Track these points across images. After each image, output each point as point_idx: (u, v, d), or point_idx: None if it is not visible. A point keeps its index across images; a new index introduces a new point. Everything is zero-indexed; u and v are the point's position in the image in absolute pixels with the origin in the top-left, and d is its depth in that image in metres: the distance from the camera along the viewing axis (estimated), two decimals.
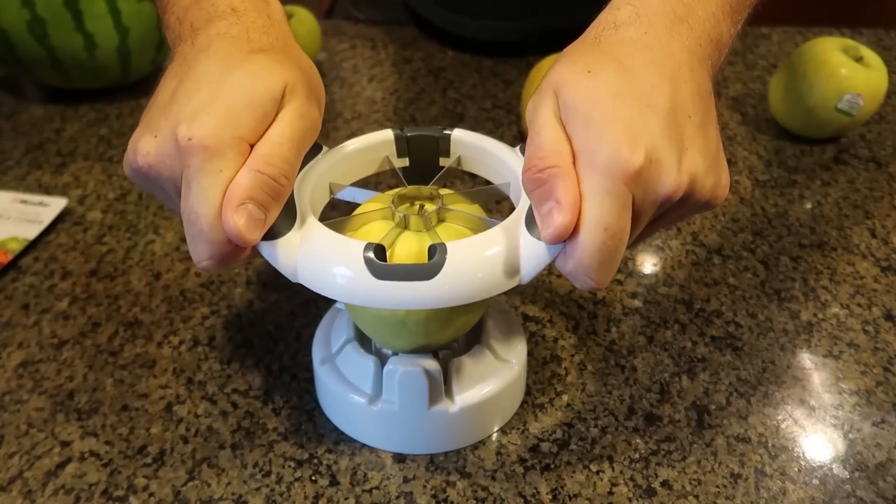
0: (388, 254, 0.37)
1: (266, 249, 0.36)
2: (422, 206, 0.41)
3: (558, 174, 0.32)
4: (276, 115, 0.36)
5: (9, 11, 0.65)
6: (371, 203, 0.42)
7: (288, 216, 0.36)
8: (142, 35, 0.71)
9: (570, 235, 0.32)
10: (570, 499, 0.41)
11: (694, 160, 0.34)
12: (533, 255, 0.35)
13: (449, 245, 0.34)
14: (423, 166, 0.45)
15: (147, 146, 0.35)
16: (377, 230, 0.39)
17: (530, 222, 0.35)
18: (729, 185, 0.37)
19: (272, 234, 0.35)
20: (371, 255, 0.34)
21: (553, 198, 0.32)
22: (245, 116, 0.34)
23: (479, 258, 0.35)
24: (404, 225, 0.39)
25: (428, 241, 0.37)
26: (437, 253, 0.34)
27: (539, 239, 0.34)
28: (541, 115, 0.35)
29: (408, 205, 0.41)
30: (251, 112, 0.34)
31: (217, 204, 0.33)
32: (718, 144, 0.36)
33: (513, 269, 0.35)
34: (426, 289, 0.34)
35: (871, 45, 0.86)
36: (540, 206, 0.33)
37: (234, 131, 0.34)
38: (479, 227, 0.39)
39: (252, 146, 0.35)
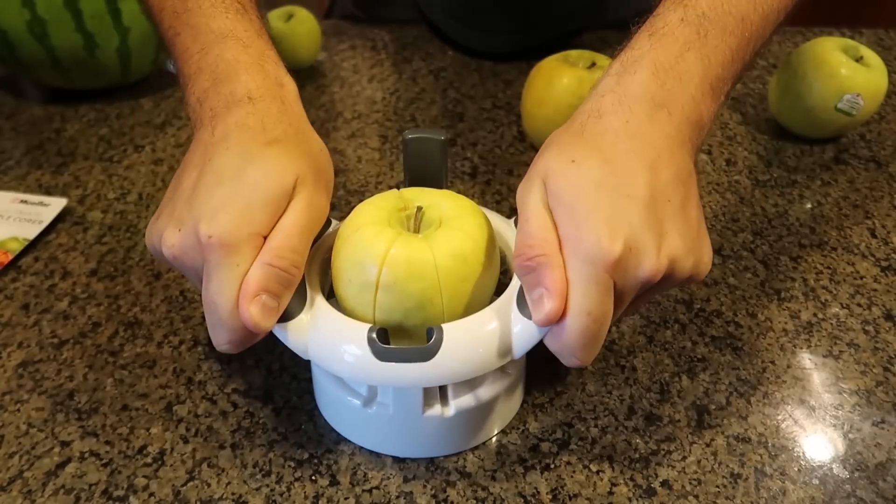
0: (382, 259, 0.37)
1: (279, 331, 0.39)
2: (419, 209, 0.41)
3: (546, 262, 0.35)
4: (288, 204, 0.38)
5: (9, 11, 0.65)
6: (369, 206, 0.42)
7: (299, 298, 0.39)
8: (142, 35, 0.71)
9: (557, 319, 0.35)
10: (570, 499, 0.41)
11: (673, 244, 0.36)
12: (524, 334, 0.38)
13: (445, 327, 0.37)
14: (423, 171, 0.45)
15: (172, 238, 0.38)
16: (371, 236, 0.39)
17: (521, 302, 0.38)
18: (711, 261, 0.39)
19: (285, 317, 0.38)
20: (374, 336, 0.37)
21: (542, 285, 0.35)
22: (260, 213, 0.37)
23: (474, 339, 0.37)
24: (403, 227, 0.39)
25: (425, 247, 0.37)
26: (434, 335, 0.37)
27: (529, 319, 0.37)
28: (530, 202, 0.37)
29: (404, 208, 0.41)
30: (265, 208, 0.37)
31: (234, 295, 0.36)
32: (699, 223, 0.38)
33: (505, 348, 0.38)
34: (425, 369, 0.37)
35: (871, 45, 0.86)
36: (531, 292, 0.36)
37: (249, 228, 0.36)
38: (476, 230, 0.39)
39: (266, 237, 0.37)
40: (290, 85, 0.44)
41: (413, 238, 0.38)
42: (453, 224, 0.40)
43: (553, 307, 0.34)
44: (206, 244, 0.36)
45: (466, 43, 0.85)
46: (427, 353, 0.37)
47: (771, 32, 0.44)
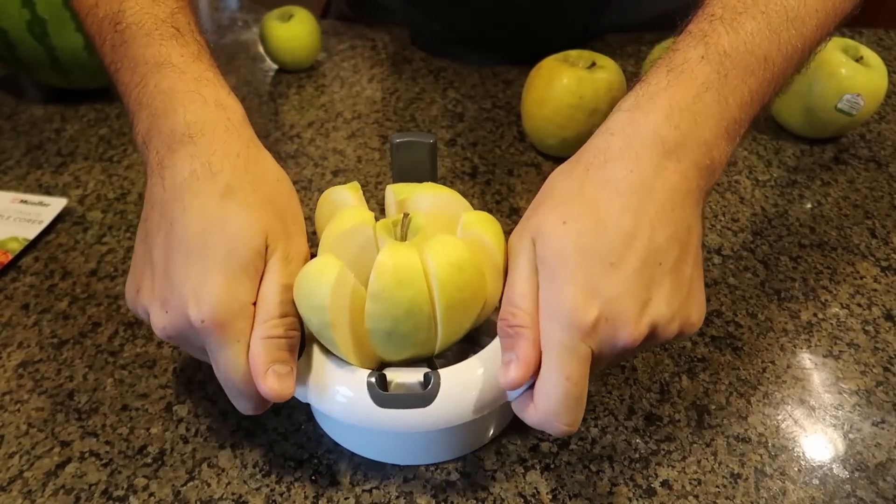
0: (329, 299, 0.36)
1: None
2: (406, 216, 0.40)
3: (523, 335, 0.36)
4: (266, 263, 0.38)
5: (9, 11, 0.65)
6: (352, 211, 0.41)
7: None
8: None
9: (535, 389, 0.36)
10: (570, 499, 0.41)
11: (657, 310, 0.36)
12: None
13: (442, 372, 0.38)
14: (412, 175, 0.45)
15: (161, 321, 0.37)
16: (315, 274, 0.38)
17: None
18: (703, 317, 0.38)
19: None
20: (373, 381, 0.37)
21: (515, 352, 0.36)
22: (240, 283, 0.37)
23: (470, 383, 0.38)
24: (391, 234, 0.39)
25: (412, 254, 0.36)
26: (431, 381, 0.37)
27: None
28: (519, 263, 0.37)
29: (392, 216, 0.41)
30: (244, 275, 0.37)
31: (244, 367, 0.37)
32: (693, 282, 0.38)
33: (500, 390, 0.38)
34: (423, 414, 0.37)
35: (871, 45, 0.86)
36: (504, 354, 0.37)
37: (236, 302, 0.36)
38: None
39: (255, 302, 0.37)
40: (234, 105, 0.42)
41: (400, 246, 0.37)
42: (438, 221, 0.39)
43: (517, 375, 0.35)
44: (200, 329, 0.36)
45: (458, 60, 0.85)
46: (426, 399, 0.37)
47: (794, 73, 0.42)
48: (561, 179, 0.39)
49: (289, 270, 0.38)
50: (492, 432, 0.44)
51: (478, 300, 0.38)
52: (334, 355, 0.39)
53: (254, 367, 0.36)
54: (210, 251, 0.36)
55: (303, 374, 0.39)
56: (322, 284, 0.35)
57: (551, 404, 0.35)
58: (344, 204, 0.43)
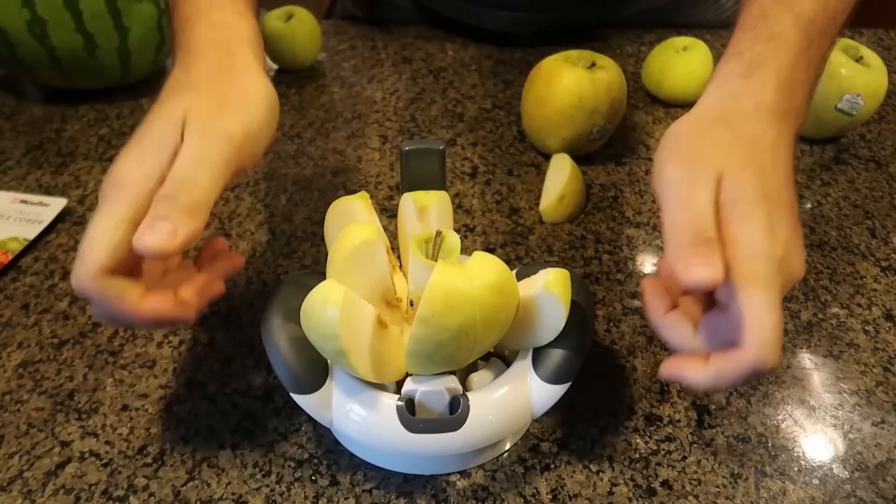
0: (338, 324, 0.35)
1: (303, 402, 0.39)
2: (438, 234, 0.39)
3: (718, 249, 0.35)
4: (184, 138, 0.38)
5: (9, 11, 0.65)
6: (359, 227, 0.40)
7: (321, 371, 0.39)
8: (142, 35, 0.71)
9: (744, 325, 0.34)
10: (570, 499, 0.41)
11: (803, 251, 0.39)
12: (542, 395, 0.39)
13: (470, 395, 0.38)
14: (422, 180, 0.45)
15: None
16: (364, 264, 0.38)
17: (537, 364, 0.39)
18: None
19: (308, 389, 0.38)
20: (402, 406, 0.38)
21: (710, 260, 0.35)
22: (139, 156, 0.38)
23: (498, 405, 0.39)
24: (425, 252, 0.39)
25: (464, 278, 0.35)
26: (460, 405, 0.38)
27: (545, 381, 0.39)
28: (700, 196, 0.37)
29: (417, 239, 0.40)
30: (154, 147, 0.38)
31: (104, 235, 0.36)
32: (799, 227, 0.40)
33: (526, 410, 0.39)
34: (453, 438, 0.38)
35: (871, 45, 0.86)
36: (693, 258, 0.35)
37: (125, 167, 0.37)
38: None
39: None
40: (237, 25, 0.44)
41: (450, 269, 0.35)
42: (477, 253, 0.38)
43: (715, 277, 0.34)
44: (100, 190, 0.37)
45: (466, 20, 0.85)
46: (455, 423, 0.38)
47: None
48: (707, 129, 0.40)
49: (202, 143, 0.38)
50: (504, 447, 0.44)
51: (510, 319, 0.37)
52: (359, 381, 0.39)
53: (140, 225, 0.35)
54: (140, 130, 0.39)
55: (326, 399, 0.39)
56: (329, 313, 0.35)
57: (767, 334, 0.34)
58: (353, 215, 0.43)
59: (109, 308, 0.36)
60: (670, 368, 0.37)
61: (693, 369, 0.36)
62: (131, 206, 0.36)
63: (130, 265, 0.37)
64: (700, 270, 0.34)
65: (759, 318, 0.34)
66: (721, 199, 0.37)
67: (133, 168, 0.37)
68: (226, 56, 0.43)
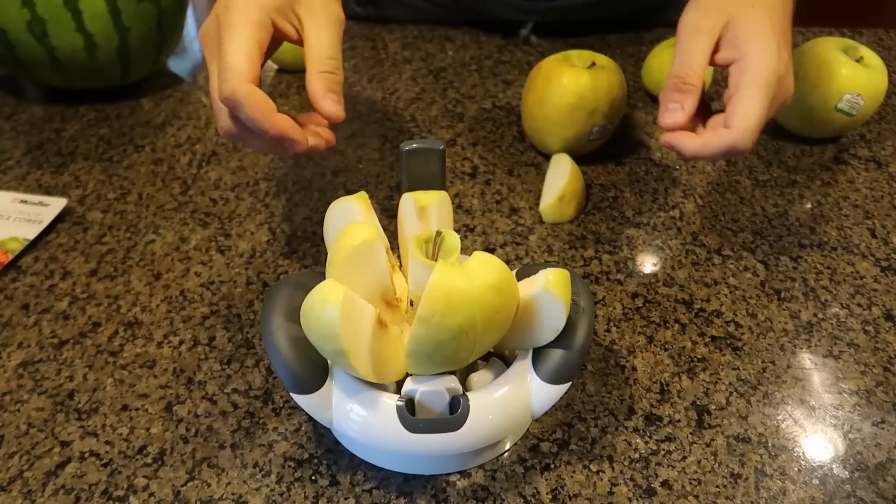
0: (338, 325, 0.35)
1: (303, 402, 0.39)
2: (438, 234, 0.39)
3: (693, 92, 0.48)
4: (300, 12, 0.47)
5: (9, 11, 0.65)
6: (358, 227, 0.40)
7: (321, 371, 0.39)
8: (142, 35, 0.71)
9: (733, 112, 0.47)
10: (570, 499, 0.41)
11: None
12: (542, 395, 0.39)
13: (470, 395, 0.38)
14: (422, 180, 0.45)
15: (202, 27, 0.47)
16: (364, 264, 0.38)
17: (537, 364, 0.39)
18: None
19: (308, 389, 0.38)
20: (402, 405, 0.38)
21: (681, 103, 0.48)
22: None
23: (498, 405, 0.39)
24: (425, 252, 0.39)
25: (464, 278, 0.35)
26: (461, 405, 0.38)
27: (545, 381, 0.39)
28: (701, 38, 0.49)
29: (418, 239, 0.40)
30: None
31: (241, 50, 0.43)
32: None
33: (526, 411, 0.40)
34: (453, 438, 0.38)
35: (871, 45, 0.86)
36: (669, 103, 0.49)
37: (258, 4, 0.45)
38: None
39: (273, 23, 0.46)
40: None
41: (451, 269, 0.35)
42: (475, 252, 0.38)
43: (681, 120, 0.48)
44: (222, 12, 0.44)
45: (475, 5, 0.85)
46: (455, 423, 0.38)
47: None
48: None
49: (328, 25, 0.47)
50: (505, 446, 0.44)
51: (510, 318, 0.37)
52: (359, 382, 0.39)
53: (312, 93, 0.45)
54: None
55: (326, 399, 0.39)
56: (329, 313, 0.35)
57: (751, 122, 0.46)
58: (351, 215, 0.43)
59: (251, 114, 0.43)
60: (668, 136, 0.48)
61: (686, 138, 0.48)
62: (259, 30, 0.44)
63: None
64: (669, 115, 0.48)
65: (750, 110, 0.46)
66: (726, 35, 0.49)
67: (253, 4, 0.44)
68: None
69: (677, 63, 0.49)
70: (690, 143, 0.47)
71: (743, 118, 0.46)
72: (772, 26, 0.48)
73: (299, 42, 0.48)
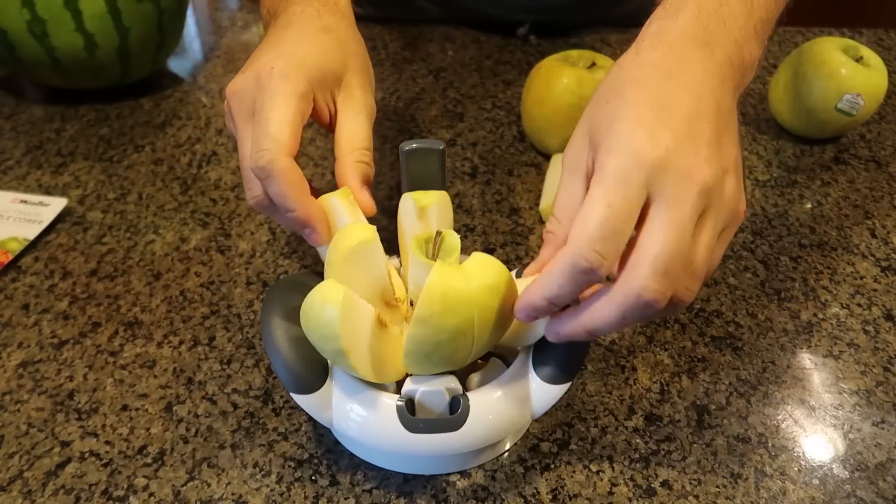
0: (338, 325, 0.35)
1: (303, 402, 0.39)
2: (438, 234, 0.39)
3: (551, 241, 0.37)
4: (337, 96, 0.45)
5: (9, 11, 0.65)
6: (354, 227, 0.40)
7: (321, 371, 0.39)
8: (142, 35, 0.71)
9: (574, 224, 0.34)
10: (570, 499, 0.41)
11: (726, 161, 0.35)
12: (542, 395, 0.39)
13: (470, 395, 0.38)
14: (422, 180, 0.45)
15: (233, 81, 0.44)
16: (363, 264, 0.38)
17: (537, 364, 0.39)
18: (745, 209, 0.37)
19: (308, 389, 0.38)
20: (402, 405, 0.38)
21: (541, 256, 0.38)
22: (315, 70, 0.43)
23: (498, 405, 0.39)
24: (424, 252, 0.39)
25: (462, 279, 0.35)
26: (460, 405, 0.38)
27: (546, 381, 0.39)
28: (573, 178, 0.37)
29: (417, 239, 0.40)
30: (318, 70, 0.43)
31: (284, 119, 0.41)
32: (737, 166, 0.36)
33: (526, 410, 0.39)
34: (453, 438, 0.38)
35: (871, 45, 0.86)
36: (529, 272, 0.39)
37: (306, 75, 0.42)
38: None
39: (313, 99, 0.43)
40: None
41: (448, 269, 0.35)
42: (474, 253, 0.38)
43: (530, 269, 0.38)
44: (265, 74, 0.42)
45: (473, 5, 0.85)
46: (455, 423, 0.37)
47: None
48: (598, 86, 0.39)
49: (367, 113, 0.46)
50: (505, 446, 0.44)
51: (509, 319, 0.37)
52: (359, 382, 0.39)
53: (350, 183, 0.43)
54: (298, 46, 0.44)
55: (326, 399, 0.39)
56: (328, 313, 0.35)
57: (588, 227, 0.32)
58: (335, 211, 0.43)
59: (283, 191, 0.40)
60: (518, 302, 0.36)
61: (526, 293, 0.35)
62: (303, 102, 0.42)
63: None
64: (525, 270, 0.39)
65: (584, 209, 0.33)
66: (589, 172, 0.36)
67: (301, 75, 0.42)
68: (342, 10, 0.50)
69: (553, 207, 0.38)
70: (529, 291, 0.35)
71: (579, 224, 0.33)
72: (639, 110, 0.35)
73: (328, 126, 0.46)
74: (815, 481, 0.42)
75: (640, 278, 0.32)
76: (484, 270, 0.35)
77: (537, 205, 0.62)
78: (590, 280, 0.33)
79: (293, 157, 0.41)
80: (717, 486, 0.41)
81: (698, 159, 0.33)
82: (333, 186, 0.44)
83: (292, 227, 0.43)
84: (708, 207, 0.34)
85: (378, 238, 0.40)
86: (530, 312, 0.35)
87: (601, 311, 0.33)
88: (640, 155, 0.33)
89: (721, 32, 0.38)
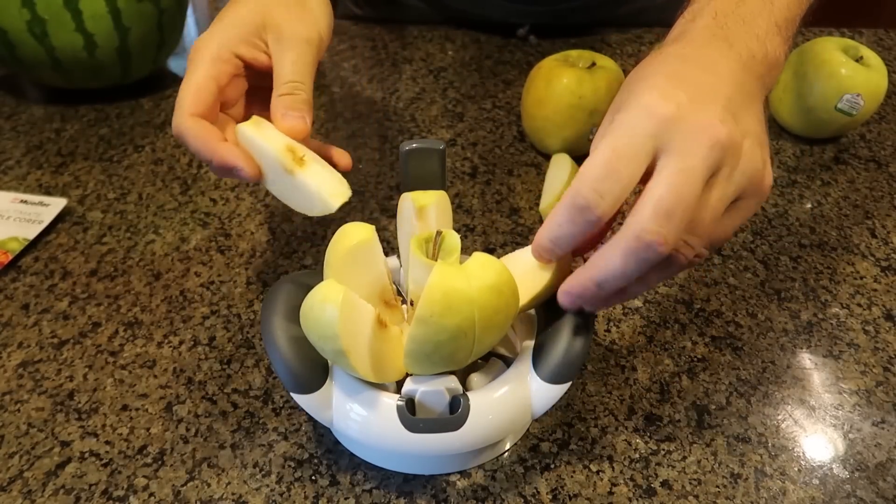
0: (338, 327, 0.35)
1: (303, 402, 0.39)
2: (439, 234, 0.39)
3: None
4: (269, 40, 0.47)
5: (9, 11, 0.65)
6: (354, 227, 0.40)
7: (321, 371, 0.39)
8: (142, 35, 0.71)
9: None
10: (570, 499, 0.41)
11: (744, 123, 0.34)
12: (542, 395, 0.39)
13: (470, 395, 0.38)
14: (422, 179, 0.45)
15: None
16: (363, 263, 0.38)
17: (537, 364, 0.39)
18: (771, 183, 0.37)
19: (308, 389, 0.38)
20: (403, 405, 0.37)
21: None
22: (230, 29, 0.46)
23: (498, 405, 0.39)
24: (425, 252, 0.39)
25: (463, 279, 0.35)
26: (461, 405, 0.38)
27: (545, 381, 0.39)
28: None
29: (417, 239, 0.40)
30: (234, 27, 0.46)
31: (189, 93, 0.44)
32: (761, 135, 0.36)
33: (526, 411, 0.39)
34: (453, 437, 0.38)
35: (871, 45, 0.86)
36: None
37: (218, 38, 0.46)
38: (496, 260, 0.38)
39: (244, 59, 0.46)
40: None
41: (449, 269, 0.35)
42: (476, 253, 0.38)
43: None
44: (188, 58, 0.46)
45: (472, 9, 0.85)
46: (455, 423, 0.37)
47: None
48: (623, 86, 0.39)
49: (296, 49, 0.47)
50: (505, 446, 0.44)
51: (510, 319, 0.37)
52: (359, 381, 0.39)
53: (272, 116, 0.45)
54: (224, 15, 0.47)
55: (326, 399, 0.39)
56: (328, 313, 0.35)
57: (587, 170, 0.33)
58: (247, 140, 0.44)
59: (193, 146, 0.43)
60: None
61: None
62: (215, 64, 0.45)
63: (213, 120, 0.45)
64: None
65: (591, 155, 0.33)
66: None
67: (213, 41, 0.45)
68: None
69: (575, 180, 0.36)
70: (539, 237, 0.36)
71: (581, 167, 0.34)
72: (654, 79, 0.35)
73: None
74: (815, 481, 0.42)
75: (641, 220, 0.32)
76: (485, 270, 0.35)
77: (537, 205, 0.62)
78: (587, 220, 0.33)
79: (208, 116, 0.44)
80: (717, 486, 0.41)
81: (712, 118, 0.33)
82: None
83: (223, 175, 0.45)
84: (721, 166, 0.33)
85: (377, 237, 0.40)
86: (542, 254, 0.37)
87: (604, 259, 0.34)
88: (650, 108, 0.33)
89: (741, 30, 0.39)
